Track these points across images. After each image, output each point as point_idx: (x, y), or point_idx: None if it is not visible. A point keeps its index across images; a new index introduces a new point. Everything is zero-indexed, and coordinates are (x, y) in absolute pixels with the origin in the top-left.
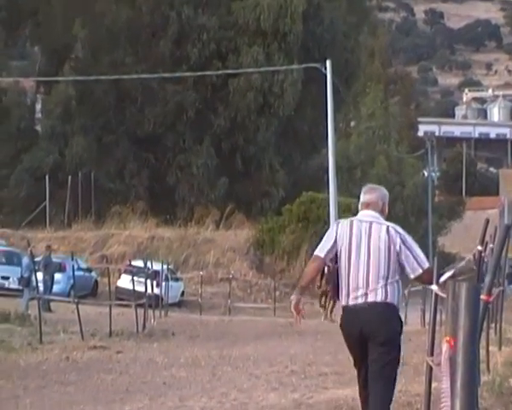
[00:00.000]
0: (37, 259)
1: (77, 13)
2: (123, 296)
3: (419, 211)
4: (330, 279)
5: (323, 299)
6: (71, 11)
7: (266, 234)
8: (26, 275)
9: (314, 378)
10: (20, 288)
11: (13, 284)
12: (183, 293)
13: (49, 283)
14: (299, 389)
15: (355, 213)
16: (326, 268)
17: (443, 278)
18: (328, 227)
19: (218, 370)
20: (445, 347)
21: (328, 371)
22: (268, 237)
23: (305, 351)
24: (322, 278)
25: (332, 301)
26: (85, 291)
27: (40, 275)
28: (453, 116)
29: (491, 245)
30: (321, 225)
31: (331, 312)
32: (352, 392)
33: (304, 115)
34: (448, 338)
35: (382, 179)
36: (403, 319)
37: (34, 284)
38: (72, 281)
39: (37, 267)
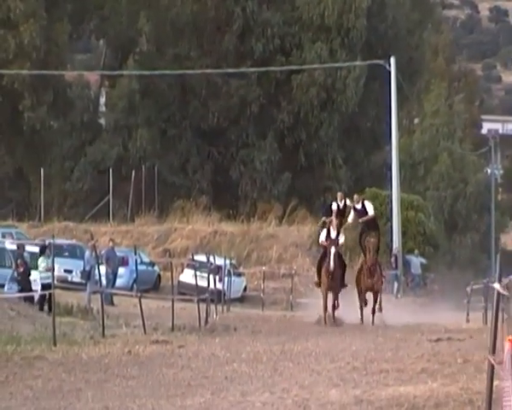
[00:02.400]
0: (100, 252)
1: (142, 7)
2: (185, 291)
3: (481, 208)
4: None
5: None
6: (136, 5)
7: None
8: (87, 268)
9: (375, 375)
10: (83, 281)
11: (76, 277)
12: (245, 288)
13: (111, 276)
14: (361, 385)
15: (418, 210)
16: None
17: (507, 279)
18: (391, 224)
19: (280, 365)
20: (507, 346)
21: (389, 367)
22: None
23: (366, 347)
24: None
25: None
26: (148, 285)
27: (103, 269)
28: None
29: None
30: (383, 222)
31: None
32: (413, 389)
33: (367, 111)
34: (510, 337)
35: (445, 176)
36: (465, 317)
37: (97, 277)
38: (134, 275)
39: (99, 261)
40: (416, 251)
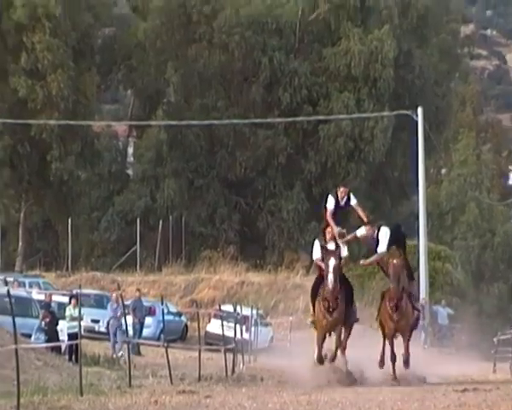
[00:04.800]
0: (126, 302)
1: (169, 57)
2: (212, 341)
3: (509, 259)
4: None
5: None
6: (163, 56)
7: (356, 280)
8: (109, 320)
9: None
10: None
11: (102, 327)
12: (272, 338)
13: (137, 326)
14: None
15: (445, 260)
16: None
17: None
18: (418, 275)
19: None
20: None
21: None
22: (357, 282)
23: (393, 397)
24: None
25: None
26: (175, 335)
27: (129, 319)
28: None
29: None
30: None
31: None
32: None
33: (394, 161)
34: None
35: (473, 226)
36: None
37: (124, 327)
38: (161, 325)
39: (126, 311)
40: (443, 302)
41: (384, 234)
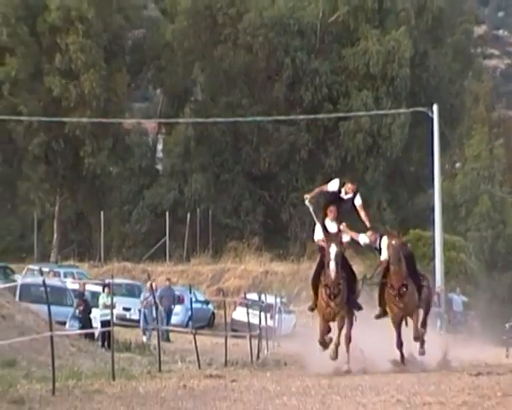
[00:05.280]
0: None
1: (196, 58)
2: (238, 328)
3: None
4: None
5: None
6: (191, 56)
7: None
8: (142, 307)
9: (418, 408)
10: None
11: (134, 315)
12: (295, 325)
13: (164, 314)
14: None
15: (459, 250)
16: None
17: None
18: (434, 264)
19: (328, 399)
20: None
21: (431, 400)
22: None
23: (410, 381)
24: None
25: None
26: (202, 322)
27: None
28: None
29: None
30: (426, 263)
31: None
32: None
33: (410, 157)
34: None
35: (486, 218)
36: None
37: (154, 315)
38: (190, 313)
39: (157, 300)
40: (458, 289)
41: (385, 244)
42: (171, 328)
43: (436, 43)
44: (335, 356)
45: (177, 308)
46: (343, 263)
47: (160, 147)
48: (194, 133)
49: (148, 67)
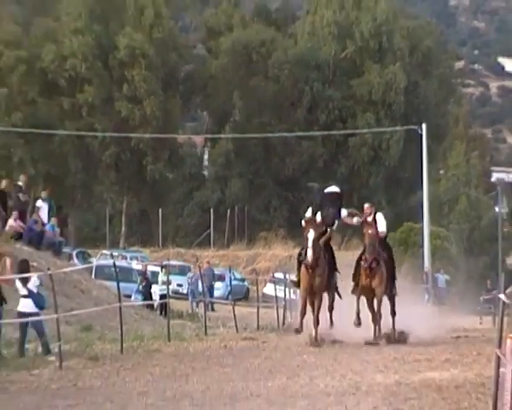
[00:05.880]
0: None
1: (235, 87)
2: (267, 300)
3: (491, 238)
4: None
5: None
6: (231, 86)
7: None
8: (190, 284)
9: (411, 364)
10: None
11: (185, 289)
12: None
13: (206, 289)
14: (400, 371)
15: (443, 239)
16: None
17: (509, 290)
18: (423, 251)
19: (339, 356)
20: (508, 342)
21: (421, 358)
22: None
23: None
24: None
25: None
26: (239, 296)
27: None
28: None
29: None
30: (416, 249)
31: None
32: (439, 375)
33: (405, 165)
34: (511, 335)
35: (463, 214)
36: (478, 320)
37: (200, 289)
38: (229, 288)
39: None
40: (442, 270)
41: (380, 217)
42: (214, 300)
43: (425, 75)
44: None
45: (219, 285)
46: (324, 246)
47: (206, 157)
48: (233, 147)
49: (196, 94)
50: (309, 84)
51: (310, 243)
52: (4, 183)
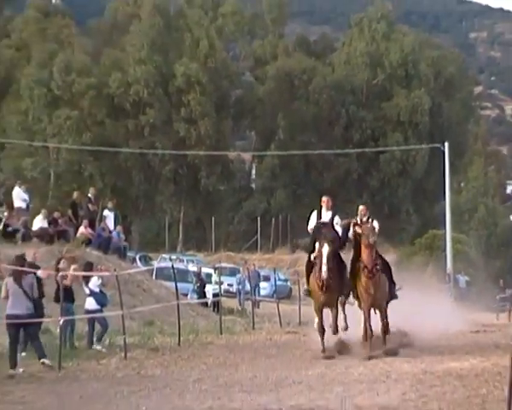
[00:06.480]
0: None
1: (279, 109)
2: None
3: (507, 243)
4: None
5: None
6: (276, 109)
7: (405, 257)
8: (239, 284)
9: (435, 354)
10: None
11: (235, 289)
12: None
13: (252, 288)
14: (425, 361)
15: (463, 244)
16: None
17: None
18: (446, 254)
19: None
20: None
21: (444, 350)
22: (405, 259)
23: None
24: None
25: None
26: (283, 295)
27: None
28: None
29: None
30: (440, 253)
31: None
32: (460, 365)
33: (430, 178)
34: None
35: (482, 221)
36: (495, 316)
37: (247, 288)
38: (274, 288)
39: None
40: (462, 272)
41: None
42: (260, 298)
43: (448, 98)
44: (323, 350)
45: (265, 285)
46: (334, 258)
47: (253, 171)
48: (278, 162)
49: (245, 116)
50: (345, 107)
51: (324, 260)
52: (76, 195)
